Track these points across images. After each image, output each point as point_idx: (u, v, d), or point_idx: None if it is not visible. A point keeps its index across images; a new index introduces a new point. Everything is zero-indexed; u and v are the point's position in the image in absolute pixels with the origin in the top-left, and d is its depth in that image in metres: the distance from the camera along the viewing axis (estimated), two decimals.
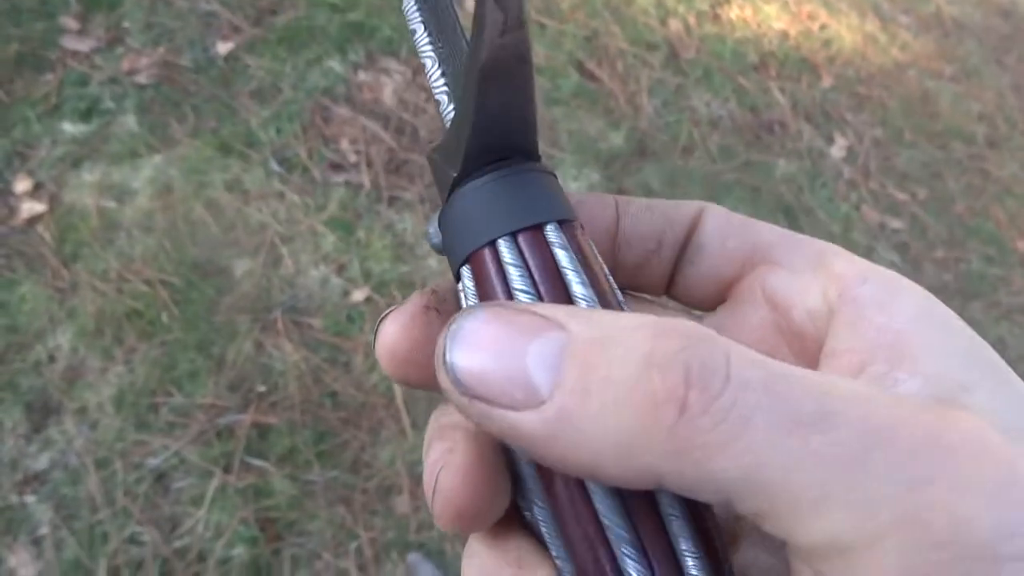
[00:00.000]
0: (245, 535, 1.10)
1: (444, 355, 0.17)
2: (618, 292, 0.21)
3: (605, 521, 0.18)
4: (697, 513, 0.18)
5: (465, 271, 0.21)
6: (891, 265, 1.62)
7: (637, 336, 0.16)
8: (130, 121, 1.40)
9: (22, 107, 1.37)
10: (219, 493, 1.12)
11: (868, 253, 1.68)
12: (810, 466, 0.14)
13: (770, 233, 0.22)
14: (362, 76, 1.56)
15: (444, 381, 0.17)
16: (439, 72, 0.23)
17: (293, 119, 1.47)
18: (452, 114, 0.22)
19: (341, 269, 1.35)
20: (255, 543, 1.10)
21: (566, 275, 0.20)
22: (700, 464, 0.15)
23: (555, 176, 0.22)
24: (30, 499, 1.08)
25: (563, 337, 0.16)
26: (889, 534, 0.14)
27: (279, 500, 1.14)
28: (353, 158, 1.47)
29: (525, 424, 0.16)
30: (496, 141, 0.20)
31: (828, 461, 0.14)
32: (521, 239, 0.20)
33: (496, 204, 0.20)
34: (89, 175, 1.34)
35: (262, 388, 1.22)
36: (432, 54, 0.24)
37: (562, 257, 0.20)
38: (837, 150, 1.85)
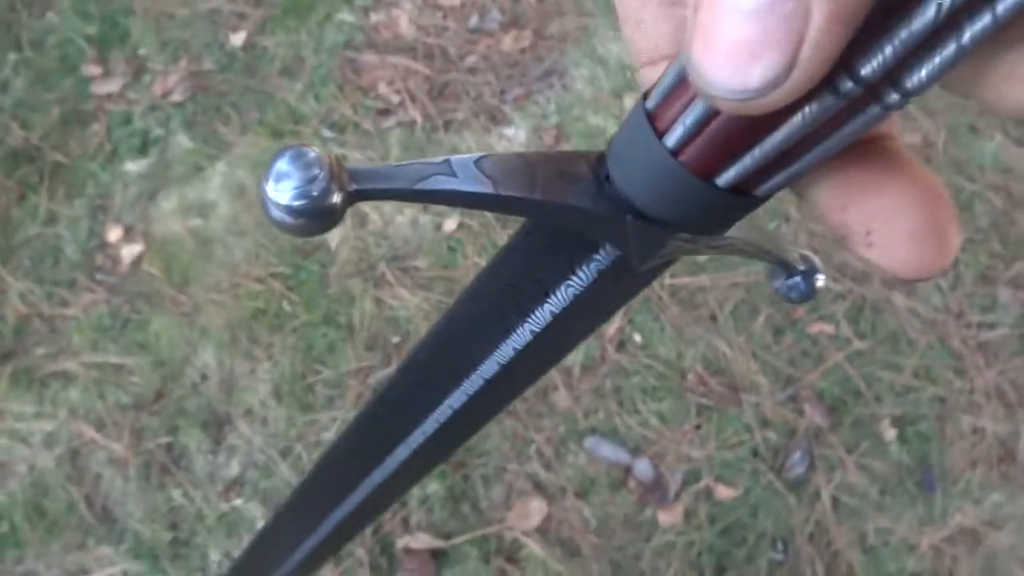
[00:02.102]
0: (433, 473, 1.15)
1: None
2: None
3: None
4: None
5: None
6: None
7: None
8: (183, 140, 1.42)
9: (84, 163, 1.41)
10: None
11: None
12: None
13: None
14: (374, 17, 1.53)
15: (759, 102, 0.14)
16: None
17: (326, 82, 1.46)
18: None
19: (425, 207, 1.36)
20: (444, 476, 1.15)
21: None
22: None
23: None
24: (237, 502, 1.15)
25: None
26: None
27: None
28: (396, 98, 1.45)
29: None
30: None
31: None
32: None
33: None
34: (167, 203, 1.38)
35: (396, 339, 1.25)
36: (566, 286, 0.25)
37: None
38: None
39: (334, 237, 1.33)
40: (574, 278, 0.25)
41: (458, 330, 0.29)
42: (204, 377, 1.23)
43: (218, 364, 1.24)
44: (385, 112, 1.45)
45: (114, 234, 1.35)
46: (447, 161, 0.20)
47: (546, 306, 0.26)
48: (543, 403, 1.22)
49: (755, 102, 0.14)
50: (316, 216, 0.18)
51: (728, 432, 1.19)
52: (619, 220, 0.21)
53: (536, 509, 1.15)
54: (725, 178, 0.19)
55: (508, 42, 1.50)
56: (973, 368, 1.20)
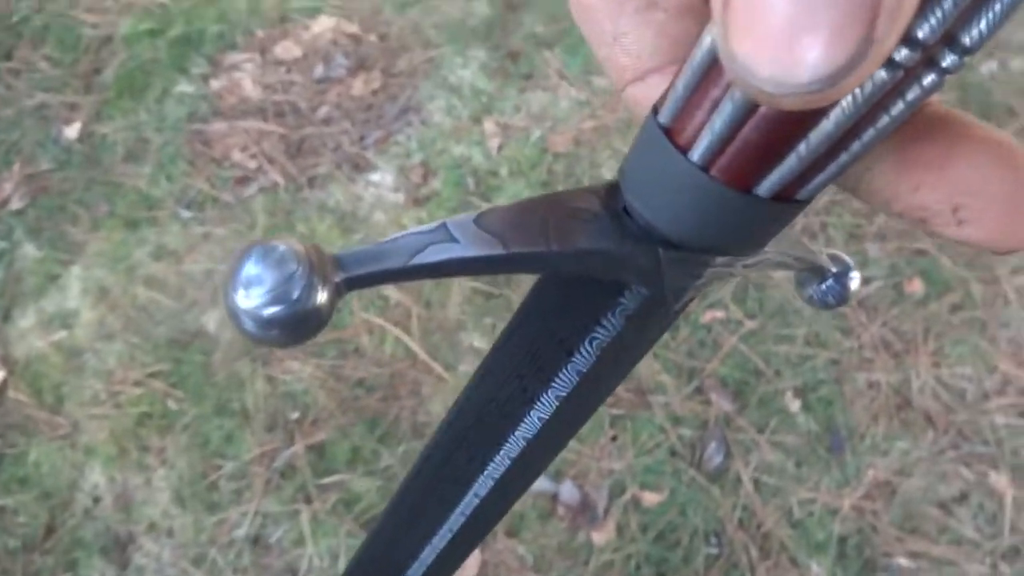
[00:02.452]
0: (358, 544, 1.11)
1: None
2: None
3: None
4: None
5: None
6: None
7: None
8: (29, 250, 1.33)
9: None
10: (315, 524, 1.12)
11: None
12: None
13: None
14: (216, 84, 1.47)
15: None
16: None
17: (176, 160, 1.39)
18: None
19: None
20: None
21: None
22: None
23: None
24: None
25: None
26: None
27: (370, 498, 1.15)
28: (253, 164, 1.40)
29: None
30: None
31: None
32: None
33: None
34: (24, 320, 1.29)
35: (295, 414, 1.20)
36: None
37: None
38: None
39: (212, 320, 1.27)
40: (599, 330, 0.22)
41: (476, 413, 0.26)
42: (96, 499, 1.15)
43: (109, 482, 1.16)
44: (244, 180, 1.39)
45: None
46: (443, 226, 0.18)
47: (571, 366, 0.23)
48: None
49: (823, 94, 0.11)
50: (301, 321, 0.15)
51: (644, 437, 1.19)
52: (650, 255, 0.19)
53: (471, 560, 1.12)
54: (767, 186, 0.17)
55: (359, 86, 1.47)
56: (858, 325, 1.25)
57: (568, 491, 1.17)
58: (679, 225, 0.18)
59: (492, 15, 1.49)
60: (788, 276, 1.18)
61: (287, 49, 1.47)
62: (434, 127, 1.42)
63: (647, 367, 1.23)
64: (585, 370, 0.23)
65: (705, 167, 0.17)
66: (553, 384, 0.24)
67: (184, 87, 1.45)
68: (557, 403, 0.24)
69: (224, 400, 1.22)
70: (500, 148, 1.39)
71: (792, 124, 0.15)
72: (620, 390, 1.22)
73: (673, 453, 1.18)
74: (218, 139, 1.43)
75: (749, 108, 0.15)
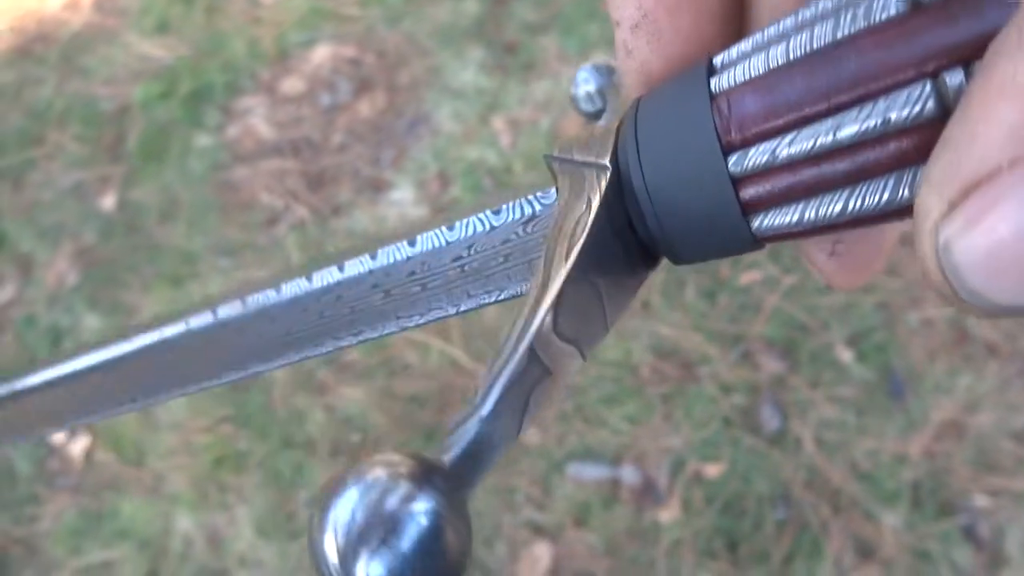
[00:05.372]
0: None
1: None
2: None
3: None
4: None
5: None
6: None
7: None
8: (91, 321, 1.42)
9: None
10: None
11: None
12: None
13: None
14: (231, 131, 1.52)
15: None
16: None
17: (207, 213, 1.45)
18: None
19: None
20: None
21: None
22: None
23: None
24: None
25: None
26: None
27: None
28: (280, 203, 1.45)
29: None
30: None
31: None
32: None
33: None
34: None
35: (356, 436, 1.25)
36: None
37: None
38: None
39: None
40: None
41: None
42: (189, 542, 1.23)
43: (197, 525, 1.24)
44: (273, 220, 1.44)
45: (59, 436, 1.34)
46: (532, 354, 0.15)
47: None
48: (515, 447, 1.21)
49: (1018, 315, 0.11)
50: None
51: (696, 410, 1.19)
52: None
53: (543, 553, 1.15)
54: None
55: (365, 109, 1.49)
56: (902, 263, 1.21)
57: (629, 474, 1.18)
58: (691, 255, 0.18)
59: (482, 12, 1.49)
60: None
61: (292, 85, 1.51)
62: (444, 135, 1.43)
63: (689, 340, 1.22)
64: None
65: (750, 225, 0.16)
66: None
67: (202, 140, 1.51)
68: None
69: (288, 434, 1.27)
70: (513, 144, 1.39)
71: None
72: (666, 367, 1.21)
73: (728, 422, 1.17)
74: (243, 184, 1.48)
75: (852, 215, 0.14)
